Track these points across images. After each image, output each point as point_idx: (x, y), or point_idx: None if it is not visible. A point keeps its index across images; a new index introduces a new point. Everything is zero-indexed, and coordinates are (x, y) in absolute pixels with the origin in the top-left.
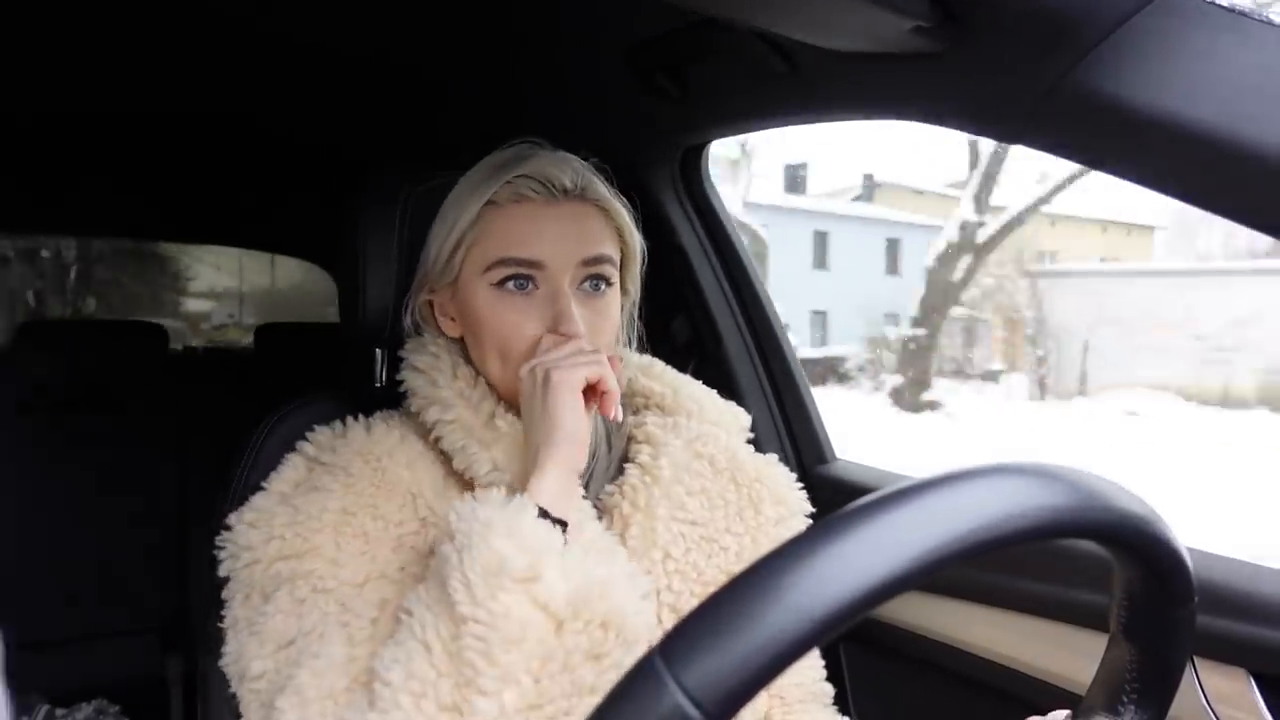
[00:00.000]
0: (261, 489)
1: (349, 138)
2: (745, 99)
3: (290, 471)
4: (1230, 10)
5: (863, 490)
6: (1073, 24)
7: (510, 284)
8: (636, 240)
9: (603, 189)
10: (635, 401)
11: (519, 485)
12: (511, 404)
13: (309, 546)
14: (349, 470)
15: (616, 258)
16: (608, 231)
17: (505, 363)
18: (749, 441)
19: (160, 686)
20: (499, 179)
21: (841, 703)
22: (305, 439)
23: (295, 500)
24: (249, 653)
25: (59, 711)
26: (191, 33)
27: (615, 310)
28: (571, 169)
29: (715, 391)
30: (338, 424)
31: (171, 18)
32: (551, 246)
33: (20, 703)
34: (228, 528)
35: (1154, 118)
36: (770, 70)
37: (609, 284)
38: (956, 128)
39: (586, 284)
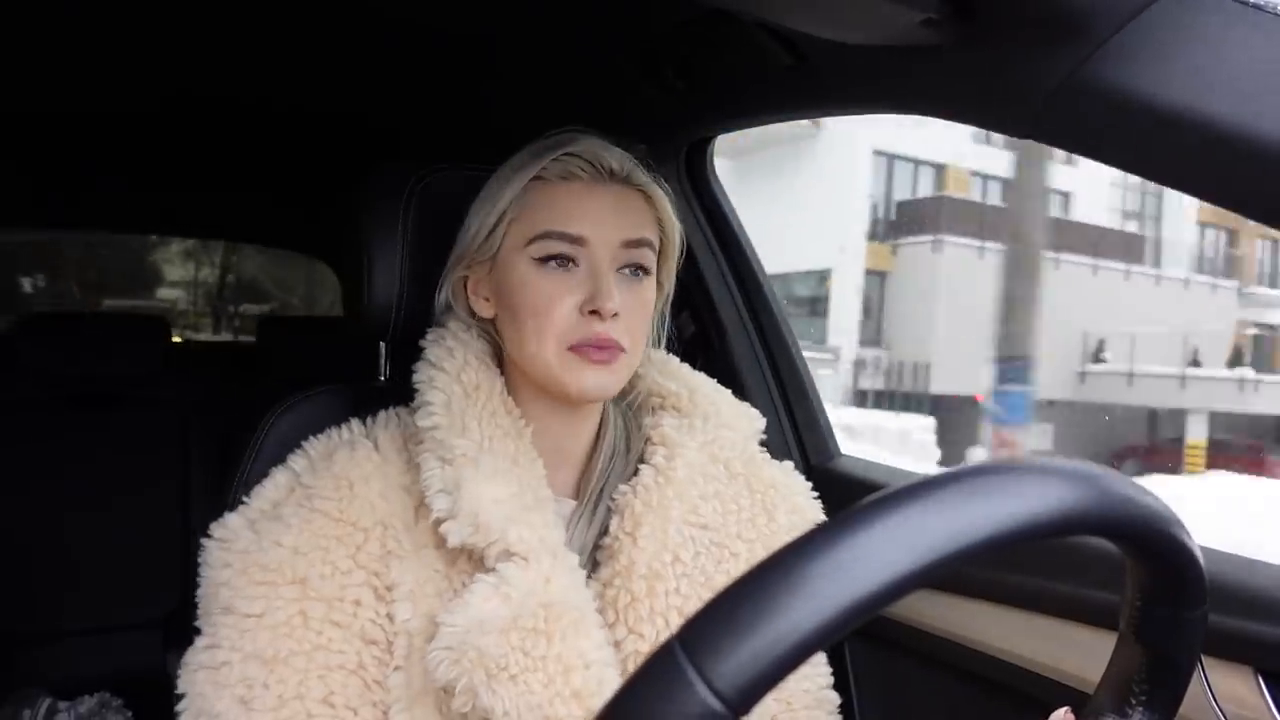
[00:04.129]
0: (244, 503)
1: (351, 133)
2: (751, 93)
3: (272, 490)
4: (1244, 3)
5: (869, 486)
6: (1085, 17)
7: (552, 262)
8: (676, 231)
9: (645, 176)
10: (652, 401)
11: (467, 519)
12: (540, 388)
13: (248, 593)
14: (315, 502)
15: (656, 246)
16: (649, 218)
17: (540, 338)
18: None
19: (163, 680)
20: (546, 157)
21: (846, 699)
22: (300, 448)
23: (261, 525)
24: (183, 673)
25: (62, 704)
26: (197, 15)
27: (651, 300)
28: (618, 154)
29: (730, 392)
30: (334, 432)
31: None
32: (595, 224)
33: (22, 695)
34: (209, 536)
35: (1168, 112)
36: (777, 64)
37: (647, 273)
38: (966, 122)
39: (626, 269)
